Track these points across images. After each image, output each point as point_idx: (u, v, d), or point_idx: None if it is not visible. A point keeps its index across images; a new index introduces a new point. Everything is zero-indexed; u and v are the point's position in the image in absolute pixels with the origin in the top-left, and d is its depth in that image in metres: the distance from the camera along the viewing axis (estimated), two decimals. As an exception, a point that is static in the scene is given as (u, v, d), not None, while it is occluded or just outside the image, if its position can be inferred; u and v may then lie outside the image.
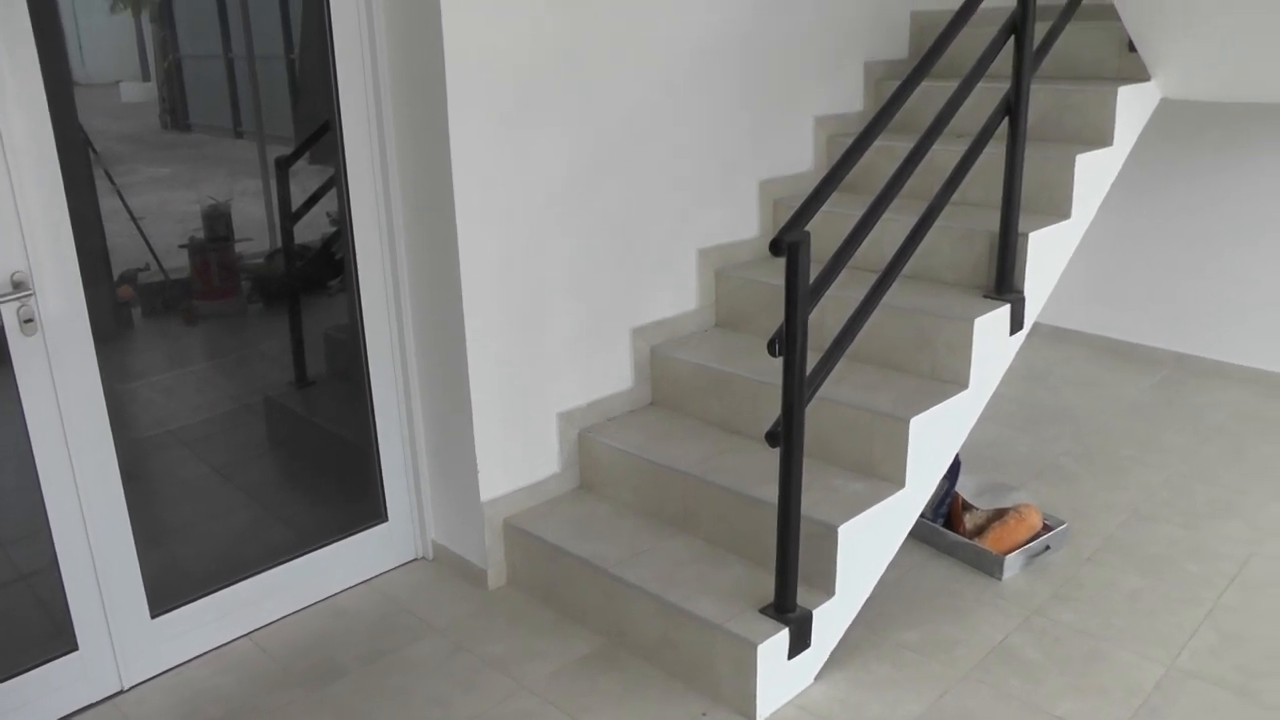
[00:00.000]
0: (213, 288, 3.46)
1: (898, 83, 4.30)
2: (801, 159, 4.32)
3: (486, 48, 3.16)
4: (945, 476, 3.82)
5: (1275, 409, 5.06)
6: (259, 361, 3.60)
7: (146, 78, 3.34)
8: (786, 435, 2.70)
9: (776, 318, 2.65)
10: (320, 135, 3.40)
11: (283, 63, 3.51)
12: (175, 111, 3.45)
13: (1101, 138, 3.75)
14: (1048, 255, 3.52)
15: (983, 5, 3.23)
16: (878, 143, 2.87)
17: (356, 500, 3.64)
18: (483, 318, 3.34)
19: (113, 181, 3.05)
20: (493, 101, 3.21)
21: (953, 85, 3.20)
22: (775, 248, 2.56)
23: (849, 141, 4.17)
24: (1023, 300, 3.42)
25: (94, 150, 3.00)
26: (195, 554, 3.31)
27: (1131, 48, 3.82)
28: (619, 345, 3.79)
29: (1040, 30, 3.42)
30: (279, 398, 3.58)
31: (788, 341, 2.63)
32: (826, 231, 3.76)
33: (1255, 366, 5.39)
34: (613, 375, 3.78)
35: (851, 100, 4.52)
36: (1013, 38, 3.25)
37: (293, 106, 3.57)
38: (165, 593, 3.16)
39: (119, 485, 2.98)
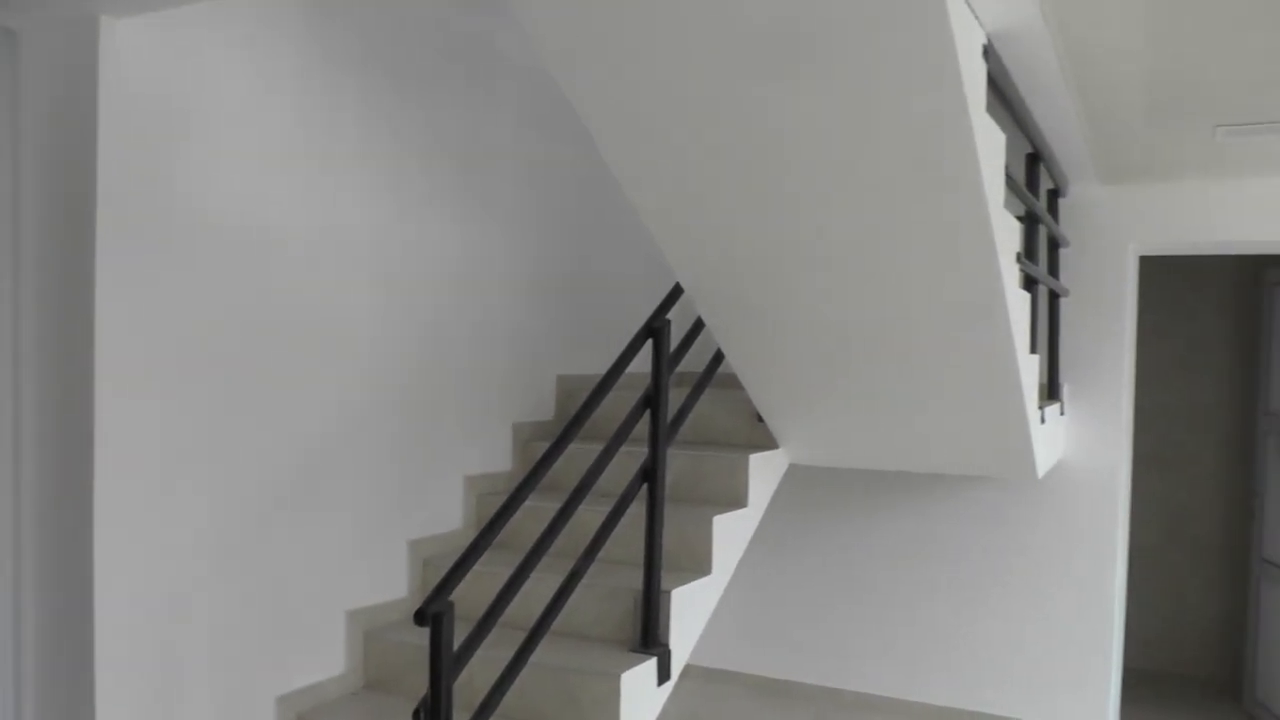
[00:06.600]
0: None
1: (545, 443, 4.57)
2: (451, 517, 4.44)
3: (136, 424, 3.16)
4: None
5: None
6: None
7: None
8: (430, 810, 2.64)
9: (427, 678, 2.65)
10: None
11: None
12: None
13: (737, 499, 4.10)
14: (690, 609, 3.73)
15: (627, 369, 3.54)
16: (526, 503, 3.03)
17: None
18: (116, 690, 3.12)
19: None
20: (138, 466, 3.17)
21: (597, 448, 3.44)
22: (419, 618, 2.60)
23: (498, 500, 4.36)
24: (668, 653, 3.57)
25: None
26: None
27: (760, 418, 4.26)
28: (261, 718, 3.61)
29: (678, 398, 3.77)
30: None
31: (432, 712, 2.62)
32: (475, 589, 3.82)
33: (898, 697, 5.75)
34: (254, 747, 3.57)
35: (500, 459, 4.74)
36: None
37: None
38: None
39: None
